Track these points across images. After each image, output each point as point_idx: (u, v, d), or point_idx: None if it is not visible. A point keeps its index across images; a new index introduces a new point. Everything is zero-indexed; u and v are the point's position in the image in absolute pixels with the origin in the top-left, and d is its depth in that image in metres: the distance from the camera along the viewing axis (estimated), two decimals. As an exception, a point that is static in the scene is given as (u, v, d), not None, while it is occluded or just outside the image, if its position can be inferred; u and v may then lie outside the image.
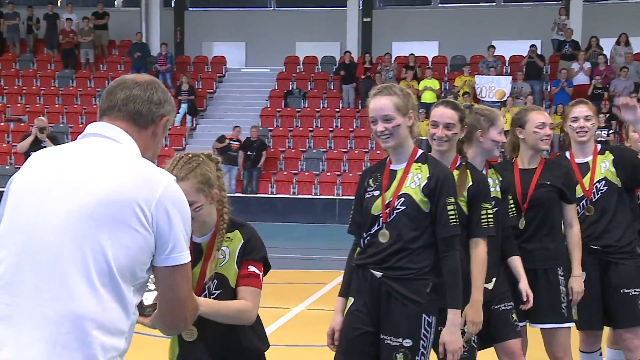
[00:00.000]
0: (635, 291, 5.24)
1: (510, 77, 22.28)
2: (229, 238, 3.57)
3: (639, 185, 5.55)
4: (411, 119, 4.04)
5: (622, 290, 5.23)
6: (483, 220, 4.47)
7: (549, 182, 5.03)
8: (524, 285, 4.75)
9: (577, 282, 4.95)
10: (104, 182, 2.43)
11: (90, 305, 2.35)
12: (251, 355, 3.66)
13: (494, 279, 4.69)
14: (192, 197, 3.32)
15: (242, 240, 3.56)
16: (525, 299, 4.73)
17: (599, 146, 5.56)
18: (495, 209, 4.65)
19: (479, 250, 4.42)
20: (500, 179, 4.83)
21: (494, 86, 21.85)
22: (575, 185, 5.20)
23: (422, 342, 3.94)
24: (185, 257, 2.50)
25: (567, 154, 5.49)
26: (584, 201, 5.32)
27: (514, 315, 4.77)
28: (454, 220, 3.97)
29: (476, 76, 22.31)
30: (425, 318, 3.95)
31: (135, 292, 2.49)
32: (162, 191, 2.47)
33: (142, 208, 2.41)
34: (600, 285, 5.28)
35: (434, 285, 3.98)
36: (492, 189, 4.72)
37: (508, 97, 21.50)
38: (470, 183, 4.49)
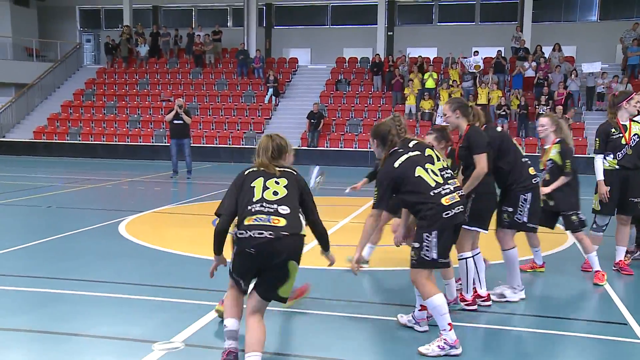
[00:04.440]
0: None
1: (479, 56, 22.02)
2: None
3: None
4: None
5: None
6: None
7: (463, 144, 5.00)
8: None
9: None
10: None
11: None
12: None
13: None
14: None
15: None
16: None
17: None
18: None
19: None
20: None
21: (471, 63, 21.69)
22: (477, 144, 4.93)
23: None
24: None
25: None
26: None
27: None
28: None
29: (462, 59, 22.12)
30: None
31: None
32: None
33: None
34: None
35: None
36: None
37: (482, 69, 21.51)
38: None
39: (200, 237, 8.10)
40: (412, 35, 26.17)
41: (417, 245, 4.16)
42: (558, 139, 6.03)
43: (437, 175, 4.23)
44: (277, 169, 3.86)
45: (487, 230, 5.16)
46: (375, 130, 4.45)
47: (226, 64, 26.17)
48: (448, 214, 4.12)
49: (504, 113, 20.30)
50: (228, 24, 28.59)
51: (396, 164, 4.22)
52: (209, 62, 25.82)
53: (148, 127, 22.99)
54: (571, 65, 22.28)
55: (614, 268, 6.58)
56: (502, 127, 19.53)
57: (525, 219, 5.28)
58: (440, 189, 4.17)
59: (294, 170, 3.96)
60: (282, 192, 3.74)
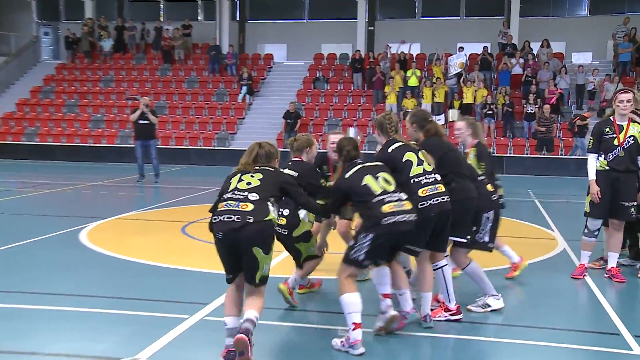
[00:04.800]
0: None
1: (463, 52, 22.27)
2: None
3: None
4: None
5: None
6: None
7: None
8: None
9: None
10: None
11: None
12: None
13: None
14: None
15: None
16: None
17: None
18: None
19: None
20: None
21: (455, 62, 21.83)
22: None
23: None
24: None
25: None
26: None
27: None
28: None
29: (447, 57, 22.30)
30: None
31: None
32: None
33: None
34: None
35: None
36: None
37: (467, 66, 21.66)
38: None
39: (167, 246, 8.03)
40: (395, 30, 26.21)
41: (352, 243, 4.63)
42: (476, 142, 6.06)
43: (388, 183, 4.64)
44: (255, 167, 4.44)
45: (468, 236, 5.29)
46: (337, 143, 5.05)
47: (197, 60, 26.05)
48: (387, 220, 4.47)
49: (490, 112, 20.48)
50: (199, 18, 28.42)
51: (347, 175, 4.76)
52: (178, 58, 25.69)
53: (112, 128, 22.79)
54: (560, 62, 22.61)
55: (605, 275, 6.65)
56: (487, 127, 20.02)
57: (486, 239, 5.48)
58: (385, 196, 4.56)
59: (273, 168, 4.51)
60: (255, 183, 4.30)
